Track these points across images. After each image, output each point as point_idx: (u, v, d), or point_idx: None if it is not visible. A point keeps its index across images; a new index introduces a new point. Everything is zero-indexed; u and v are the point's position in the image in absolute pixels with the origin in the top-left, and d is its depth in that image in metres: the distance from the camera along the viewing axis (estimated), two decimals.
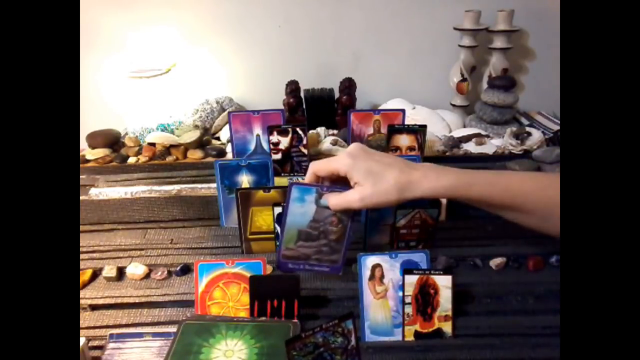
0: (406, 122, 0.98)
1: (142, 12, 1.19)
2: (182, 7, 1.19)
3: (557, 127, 1.11)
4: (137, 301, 0.69)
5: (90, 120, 1.08)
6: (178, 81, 1.21)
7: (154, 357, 0.60)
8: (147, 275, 0.75)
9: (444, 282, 0.61)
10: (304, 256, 0.61)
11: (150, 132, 1.08)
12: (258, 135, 0.98)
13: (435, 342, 0.60)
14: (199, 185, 0.91)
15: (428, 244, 0.75)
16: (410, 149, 0.93)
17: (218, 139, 1.13)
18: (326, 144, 1.03)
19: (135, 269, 0.74)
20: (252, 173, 0.84)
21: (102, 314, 0.68)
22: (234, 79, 1.28)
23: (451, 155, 1.01)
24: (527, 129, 1.04)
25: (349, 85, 1.13)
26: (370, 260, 0.63)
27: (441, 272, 0.61)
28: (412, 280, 0.61)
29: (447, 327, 0.61)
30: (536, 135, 1.02)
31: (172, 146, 1.03)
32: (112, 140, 1.07)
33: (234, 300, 0.65)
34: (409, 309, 0.61)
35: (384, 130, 0.97)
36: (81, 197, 0.88)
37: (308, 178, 0.60)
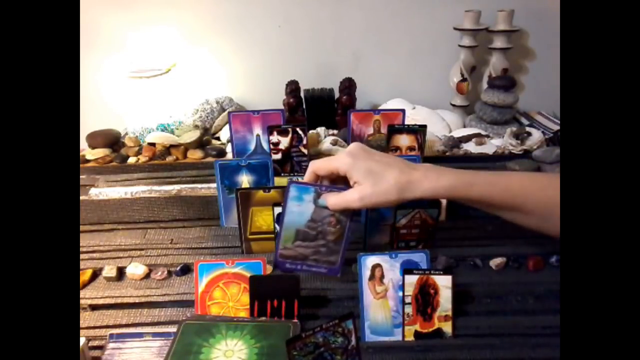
0: (406, 122, 0.98)
1: (142, 12, 1.19)
2: (182, 7, 1.19)
3: (557, 127, 1.11)
4: (137, 301, 0.69)
5: (90, 120, 1.08)
6: (178, 81, 1.21)
7: (154, 357, 0.60)
8: (147, 275, 0.75)
9: (444, 282, 0.61)
10: (302, 256, 0.60)
11: (150, 132, 1.08)
12: (258, 135, 0.98)
13: (435, 342, 0.60)
14: (199, 185, 0.91)
15: (428, 244, 0.75)
16: (410, 149, 0.93)
17: (218, 139, 1.13)
18: (326, 144, 1.03)
19: (135, 269, 0.74)
20: (252, 173, 0.84)
21: (102, 314, 0.68)
22: (234, 79, 1.28)
23: (451, 155, 1.01)
24: (527, 129, 1.04)
25: (349, 85, 1.13)
26: (370, 260, 0.63)
27: (441, 272, 0.61)
28: (412, 280, 0.61)
29: (447, 327, 0.61)
30: (536, 135, 1.02)
31: (172, 146, 1.03)
32: (112, 140, 1.07)
33: (234, 300, 0.65)
34: (409, 309, 0.61)
35: (384, 130, 0.97)
36: (81, 197, 0.88)
37: (307, 177, 0.59)
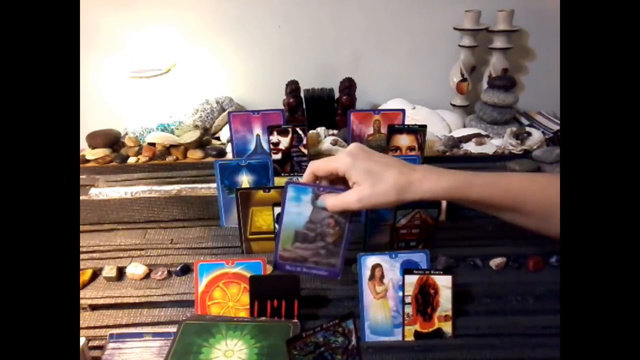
0: (406, 122, 0.98)
1: (142, 12, 1.19)
2: (182, 7, 1.19)
3: (557, 127, 1.11)
4: (137, 301, 0.69)
5: (90, 120, 1.08)
6: (178, 81, 1.21)
7: (154, 357, 0.60)
8: (147, 275, 0.75)
9: (444, 282, 0.61)
10: (301, 258, 0.60)
11: (150, 132, 1.08)
12: (258, 135, 0.98)
13: (435, 342, 0.60)
14: (199, 185, 0.91)
15: (428, 244, 0.75)
16: (410, 149, 0.93)
17: (218, 139, 1.13)
18: (326, 144, 1.03)
19: (135, 269, 0.74)
20: (252, 173, 0.84)
21: (102, 314, 0.68)
22: (234, 79, 1.28)
23: (451, 155, 1.01)
24: (527, 129, 1.04)
25: (349, 85, 1.13)
26: (370, 260, 0.63)
27: (441, 272, 0.61)
28: (412, 280, 0.61)
29: (447, 327, 0.61)
30: (536, 135, 1.02)
31: (172, 146, 1.03)
32: (112, 140, 1.07)
33: (234, 300, 0.65)
34: (409, 309, 0.61)
35: (384, 130, 0.97)
36: (81, 197, 0.88)
37: (306, 177, 0.59)
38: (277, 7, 1.20)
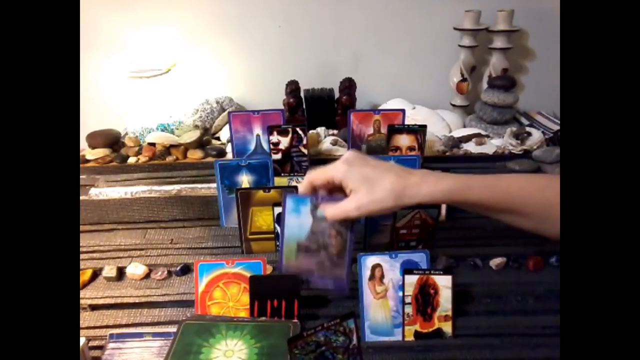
0: (406, 122, 0.98)
1: (142, 12, 1.19)
2: (182, 7, 1.19)
3: (557, 127, 1.11)
4: (137, 301, 0.69)
5: (90, 120, 1.08)
6: (178, 81, 1.21)
7: (154, 357, 0.60)
8: (147, 275, 0.75)
9: (444, 282, 0.61)
10: (306, 271, 0.60)
11: (150, 132, 1.08)
12: (258, 135, 0.98)
13: (435, 342, 0.60)
14: (199, 185, 0.91)
15: (428, 244, 0.75)
16: (410, 149, 0.93)
17: (218, 139, 1.13)
18: (326, 144, 1.03)
19: (135, 269, 0.74)
20: (252, 173, 0.84)
21: (102, 314, 0.68)
22: (234, 79, 1.28)
23: (451, 155, 1.01)
24: (527, 129, 1.04)
25: (349, 85, 1.13)
26: (370, 260, 0.63)
27: (441, 272, 0.61)
28: (412, 280, 0.61)
29: (447, 327, 0.61)
30: (536, 135, 1.02)
31: (172, 146, 1.03)
32: (112, 140, 1.07)
33: (234, 300, 0.65)
34: (409, 309, 0.61)
35: (384, 130, 0.97)
36: (81, 197, 0.88)
37: (303, 188, 0.58)
38: (277, 7, 1.20)
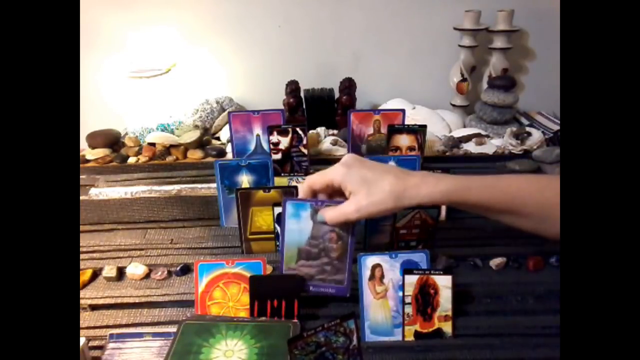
0: (406, 122, 0.98)
1: (142, 12, 1.19)
2: (182, 7, 1.19)
3: (557, 127, 1.11)
4: (137, 301, 0.69)
5: (90, 120, 1.08)
6: (178, 81, 1.21)
7: (154, 357, 0.60)
8: (147, 275, 0.75)
9: (444, 282, 0.61)
10: (308, 276, 0.60)
11: (150, 132, 1.08)
12: (258, 135, 0.98)
13: (435, 342, 0.60)
14: (199, 185, 0.91)
15: (428, 244, 0.75)
16: (410, 149, 0.93)
17: (218, 139, 1.14)
18: (326, 144, 1.03)
19: (135, 269, 0.74)
20: (252, 173, 0.84)
21: (102, 314, 0.68)
22: (234, 79, 1.28)
23: (451, 155, 1.01)
24: (527, 129, 1.04)
25: (349, 85, 1.13)
26: (370, 260, 0.63)
27: (441, 272, 0.61)
28: (412, 280, 0.61)
29: (447, 327, 0.61)
30: (536, 135, 1.02)
31: (172, 146, 1.03)
32: (112, 140, 1.07)
33: (234, 300, 0.65)
34: (409, 309, 0.61)
35: (384, 130, 0.97)
36: (81, 197, 0.88)
37: (303, 192, 0.58)
38: (277, 7, 1.20)
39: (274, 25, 1.22)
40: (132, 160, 1.01)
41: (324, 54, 1.25)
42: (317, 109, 1.14)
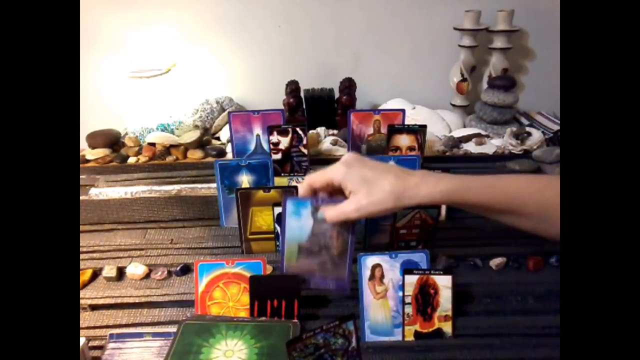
0: (406, 122, 0.98)
1: (142, 12, 1.19)
2: (182, 7, 1.19)
3: (557, 127, 1.11)
4: (137, 301, 0.69)
5: (90, 120, 1.08)
6: (178, 81, 1.21)
7: (154, 357, 0.60)
8: (147, 275, 0.75)
9: (444, 282, 0.61)
10: (308, 272, 0.60)
11: (150, 132, 1.08)
12: (258, 135, 0.98)
13: (435, 342, 0.60)
14: (199, 185, 0.91)
15: (428, 244, 0.75)
16: (410, 149, 0.93)
17: (218, 139, 1.13)
18: (326, 144, 1.03)
19: (135, 269, 0.74)
20: (252, 173, 0.84)
21: (102, 314, 0.68)
22: (234, 79, 1.28)
23: (451, 155, 1.01)
24: (527, 129, 1.04)
25: (349, 85, 1.13)
26: (370, 260, 0.63)
27: (441, 272, 0.61)
28: (412, 280, 0.61)
29: (447, 327, 0.61)
30: (536, 135, 1.02)
31: (172, 146, 1.03)
32: (112, 140, 1.07)
33: (234, 300, 0.65)
34: (409, 309, 0.61)
35: (384, 130, 0.97)
36: (81, 197, 0.88)
37: (303, 190, 0.58)
38: (277, 7, 1.20)
39: (274, 25, 1.22)
40: (132, 160, 1.01)
41: (324, 54, 1.25)
42: (317, 109, 1.14)
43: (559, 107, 1.15)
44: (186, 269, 0.75)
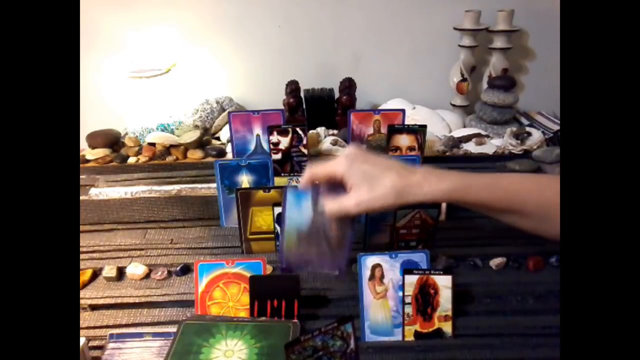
0: (406, 122, 0.98)
1: (142, 12, 1.19)
2: (182, 7, 1.19)
3: (557, 127, 1.11)
4: (137, 301, 0.69)
5: (90, 120, 1.08)
6: (178, 81, 1.21)
7: (154, 357, 0.60)
8: (147, 275, 0.75)
9: (444, 282, 0.61)
10: (306, 260, 0.60)
11: (150, 132, 1.08)
12: (258, 135, 0.98)
13: (435, 342, 0.60)
14: (199, 185, 0.91)
15: (428, 244, 0.75)
16: (410, 149, 0.93)
17: (218, 139, 1.13)
18: (326, 144, 1.03)
19: (135, 269, 0.74)
20: (252, 173, 0.84)
21: (102, 314, 0.68)
22: (234, 79, 1.28)
23: (451, 155, 1.01)
24: (527, 129, 1.04)
25: (349, 85, 1.13)
26: (370, 260, 0.63)
27: (441, 272, 0.61)
28: (412, 280, 0.61)
29: (447, 327, 0.61)
30: (536, 135, 1.02)
31: (172, 146, 1.03)
32: (112, 140, 1.07)
33: (234, 300, 0.65)
34: (409, 309, 0.61)
35: (384, 130, 0.97)
36: (81, 197, 0.88)
37: (304, 182, 0.58)
38: (277, 7, 1.20)
39: (274, 25, 1.22)
40: (132, 160, 1.01)
41: (324, 54, 1.25)
42: (317, 109, 1.14)
43: (559, 107, 1.15)
44: (186, 269, 0.75)
